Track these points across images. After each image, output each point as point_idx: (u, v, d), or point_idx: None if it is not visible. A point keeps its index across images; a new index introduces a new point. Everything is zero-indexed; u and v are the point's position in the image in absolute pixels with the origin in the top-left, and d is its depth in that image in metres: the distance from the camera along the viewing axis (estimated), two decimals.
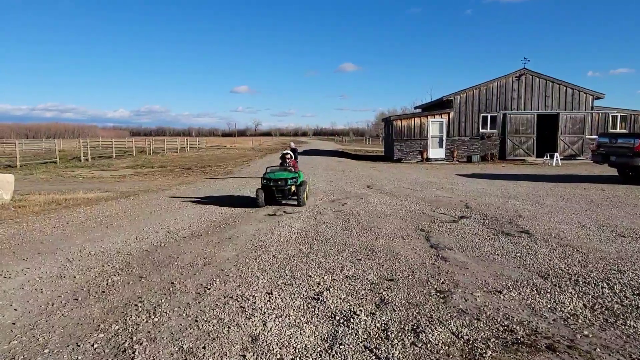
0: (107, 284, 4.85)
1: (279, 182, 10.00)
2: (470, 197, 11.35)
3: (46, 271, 5.34)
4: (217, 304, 4.18)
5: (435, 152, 27.79)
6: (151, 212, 9.47)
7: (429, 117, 27.98)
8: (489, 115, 27.64)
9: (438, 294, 4.46)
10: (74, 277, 5.12)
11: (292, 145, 17.45)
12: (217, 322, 3.79)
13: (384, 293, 4.48)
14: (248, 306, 4.14)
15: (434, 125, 27.74)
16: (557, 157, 24.64)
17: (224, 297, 4.36)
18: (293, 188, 10.25)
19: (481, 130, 27.71)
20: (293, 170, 10.75)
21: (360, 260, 5.68)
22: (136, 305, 4.19)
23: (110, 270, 5.38)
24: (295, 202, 10.26)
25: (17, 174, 20.35)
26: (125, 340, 3.44)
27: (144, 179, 17.81)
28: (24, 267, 5.52)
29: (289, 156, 11.69)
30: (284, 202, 10.36)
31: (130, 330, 3.62)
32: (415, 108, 36.29)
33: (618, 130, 26.29)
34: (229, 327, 3.68)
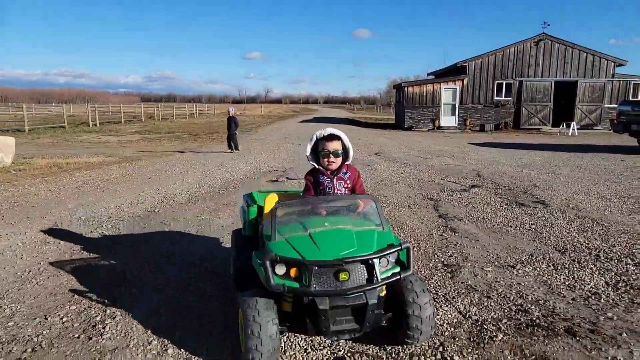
0: (91, 252, 4.56)
1: (348, 285, 2.38)
2: (483, 166, 10.85)
3: (31, 236, 5.07)
4: (204, 277, 3.87)
5: (448, 120, 27.01)
6: (150, 177, 9.17)
7: (441, 83, 27.06)
8: (504, 82, 26.64)
9: (445, 267, 4.09)
10: (59, 243, 4.84)
11: (231, 111, 13.80)
12: (201, 296, 3.48)
13: None
14: None
15: (447, 92, 26.86)
16: (573, 126, 23.77)
17: (212, 274, 4.05)
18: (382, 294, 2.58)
19: (495, 98, 26.77)
20: (357, 205, 2.90)
21: None
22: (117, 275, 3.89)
23: (97, 237, 5.09)
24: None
25: (25, 138, 20.18)
26: (98, 314, 3.14)
27: (150, 144, 17.50)
28: (10, 231, 5.25)
29: (333, 148, 3.03)
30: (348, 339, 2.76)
31: (105, 303, 3.32)
32: (428, 74, 35.03)
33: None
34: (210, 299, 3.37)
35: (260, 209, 3.20)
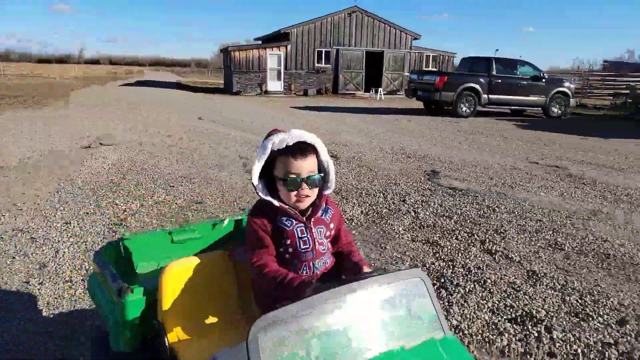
0: None
1: None
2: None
3: None
4: (2, 238, 3.93)
5: (274, 85, 28.15)
6: None
7: (267, 49, 27.93)
8: (323, 50, 28.71)
9: (241, 211, 4.86)
10: None
11: None
12: (1, 255, 3.61)
13: (188, 214, 4.71)
14: (40, 237, 3.99)
15: (272, 58, 27.87)
16: (380, 92, 27.09)
17: (12, 231, 4.11)
18: None
19: (317, 65, 28.77)
20: (393, 290, 1.36)
21: (174, 187, 5.77)
22: None
23: None
24: None
25: None
26: None
27: None
28: None
29: (308, 170, 1.62)
30: None
31: None
32: (255, 39, 35.59)
33: (430, 69, 29.85)
34: (14, 258, 3.54)
35: (151, 295, 1.63)
